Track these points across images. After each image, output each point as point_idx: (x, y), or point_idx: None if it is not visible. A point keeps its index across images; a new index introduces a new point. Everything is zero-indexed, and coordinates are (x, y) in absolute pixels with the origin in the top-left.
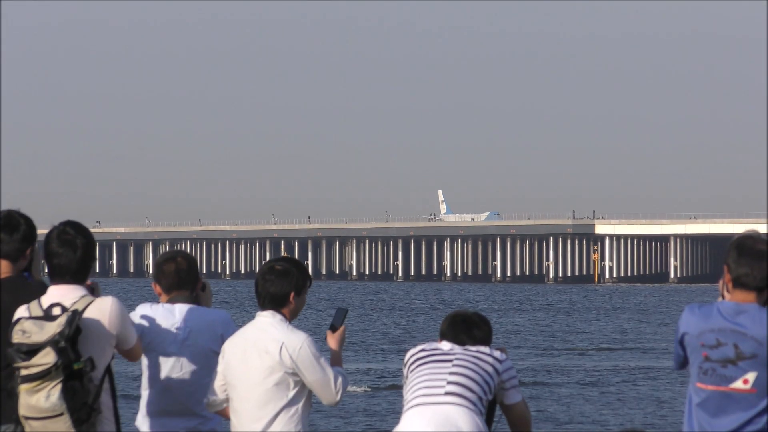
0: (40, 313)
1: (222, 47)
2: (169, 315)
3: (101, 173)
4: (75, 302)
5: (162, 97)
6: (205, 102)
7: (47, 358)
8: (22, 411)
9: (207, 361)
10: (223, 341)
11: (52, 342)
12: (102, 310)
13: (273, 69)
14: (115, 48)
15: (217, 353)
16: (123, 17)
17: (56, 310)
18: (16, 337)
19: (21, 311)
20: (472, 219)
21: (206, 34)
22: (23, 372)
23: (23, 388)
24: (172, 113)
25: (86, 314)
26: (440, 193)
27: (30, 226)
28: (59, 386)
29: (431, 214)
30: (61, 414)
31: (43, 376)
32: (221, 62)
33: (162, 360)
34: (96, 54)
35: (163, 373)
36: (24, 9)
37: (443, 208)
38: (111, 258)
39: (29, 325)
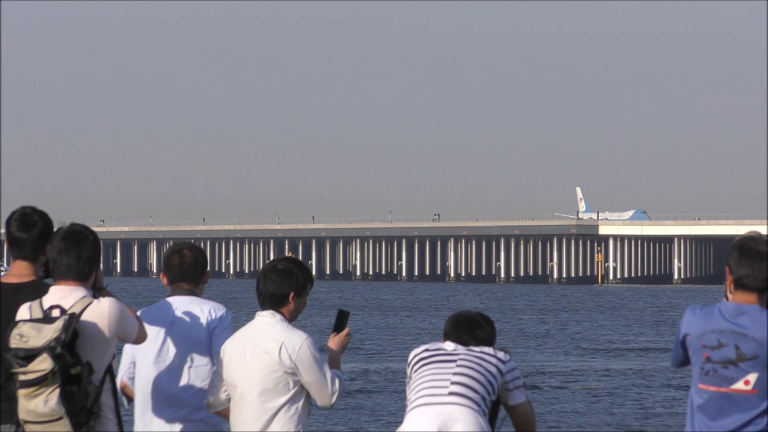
0: (40, 315)
1: (228, 45)
2: (159, 309)
3: (105, 172)
4: (74, 304)
5: (165, 96)
6: (209, 101)
7: (44, 364)
8: (22, 415)
9: (191, 348)
10: (209, 328)
11: (49, 348)
12: (100, 312)
13: (278, 68)
14: (119, 46)
15: (201, 342)
16: (127, 15)
17: (55, 312)
18: (14, 342)
19: (23, 311)
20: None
21: (211, 32)
22: (21, 377)
23: (21, 393)
24: (175, 112)
25: (84, 317)
26: (578, 190)
27: (46, 223)
28: (57, 391)
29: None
30: (60, 418)
31: (40, 381)
32: (226, 60)
33: (146, 349)
34: (100, 52)
35: (148, 363)
36: (26, 6)
37: (582, 205)
38: (115, 257)
39: (27, 328)
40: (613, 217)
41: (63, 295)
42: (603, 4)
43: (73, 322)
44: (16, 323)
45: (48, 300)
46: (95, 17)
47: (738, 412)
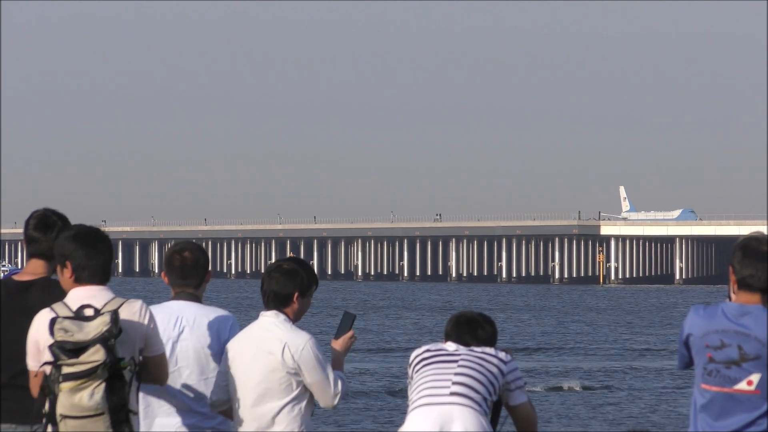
0: (69, 314)
1: (229, 45)
2: (166, 316)
3: (107, 172)
4: (106, 303)
5: (167, 96)
6: (211, 101)
7: (97, 355)
8: (62, 410)
9: (201, 359)
10: (219, 339)
11: (102, 339)
12: (133, 312)
13: (278, 68)
14: (119, 46)
15: (212, 352)
16: (127, 15)
17: (89, 311)
18: (59, 335)
19: (45, 314)
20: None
21: (211, 32)
22: (67, 370)
23: (65, 386)
24: (177, 112)
25: (120, 316)
26: (622, 189)
27: (66, 225)
28: (103, 385)
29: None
30: (102, 413)
31: (90, 373)
32: (227, 60)
33: None
34: (100, 52)
35: None
36: (26, 6)
37: (626, 205)
38: (116, 257)
39: (68, 324)
40: (660, 216)
41: (91, 295)
42: (602, 3)
43: (118, 317)
44: (54, 320)
45: (75, 300)
46: (95, 17)
47: (741, 413)
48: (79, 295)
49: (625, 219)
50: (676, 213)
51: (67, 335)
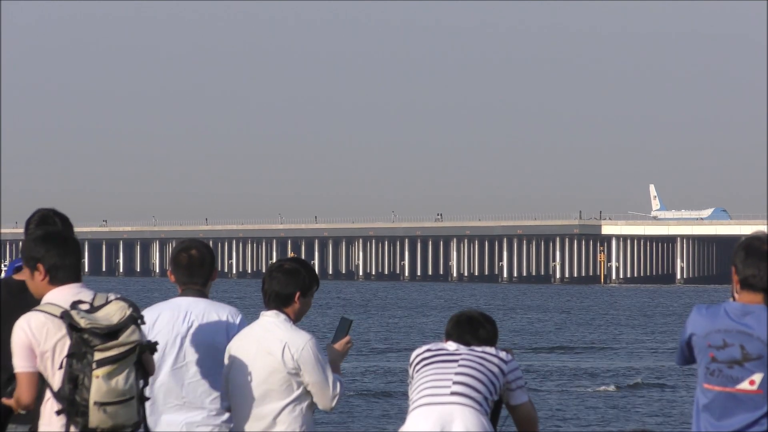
0: (57, 312)
1: (231, 45)
2: (174, 311)
3: (108, 172)
4: (93, 299)
5: (168, 95)
6: (212, 100)
7: (135, 335)
8: (97, 397)
9: (210, 354)
10: (228, 335)
11: (133, 320)
12: (122, 306)
13: (279, 68)
14: (120, 46)
15: (221, 347)
16: (127, 15)
17: (84, 306)
18: (86, 323)
19: (32, 315)
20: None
21: (212, 32)
22: (100, 355)
23: (101, 372)
24: (178, 111)
25: None
26: (652, 187)
27: (66, 225)
28: (134, 368)
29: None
30: (133, 398)
31: (125, 356)
32: (228, 60)
33: (164, 355)
34: (100, 52)
35: (166, 368)
36: (26, 6)
37: (656, 203)
38: (117, 257)
39: (84, 314)
40: (691, 215)
41: (75, 293)
42: (604, 3)
43: (134, 302)
44: (66, 312)
45: (60, 299)
46: (95, 17)
47: (743, 412)
48: (63, 294)
49: (655, 218)
50: (708, 212)
51: (93, 322)
